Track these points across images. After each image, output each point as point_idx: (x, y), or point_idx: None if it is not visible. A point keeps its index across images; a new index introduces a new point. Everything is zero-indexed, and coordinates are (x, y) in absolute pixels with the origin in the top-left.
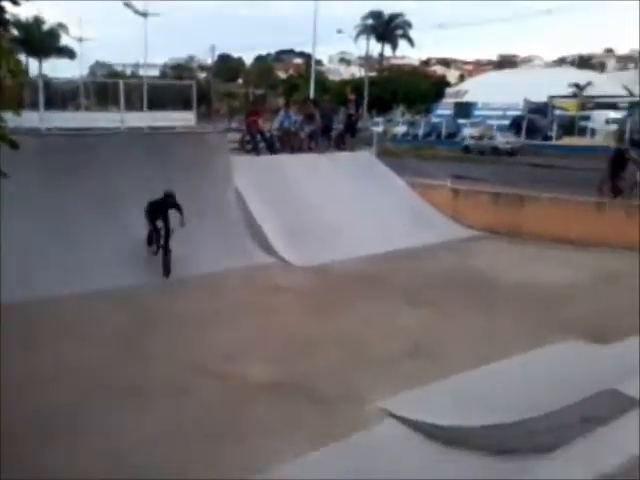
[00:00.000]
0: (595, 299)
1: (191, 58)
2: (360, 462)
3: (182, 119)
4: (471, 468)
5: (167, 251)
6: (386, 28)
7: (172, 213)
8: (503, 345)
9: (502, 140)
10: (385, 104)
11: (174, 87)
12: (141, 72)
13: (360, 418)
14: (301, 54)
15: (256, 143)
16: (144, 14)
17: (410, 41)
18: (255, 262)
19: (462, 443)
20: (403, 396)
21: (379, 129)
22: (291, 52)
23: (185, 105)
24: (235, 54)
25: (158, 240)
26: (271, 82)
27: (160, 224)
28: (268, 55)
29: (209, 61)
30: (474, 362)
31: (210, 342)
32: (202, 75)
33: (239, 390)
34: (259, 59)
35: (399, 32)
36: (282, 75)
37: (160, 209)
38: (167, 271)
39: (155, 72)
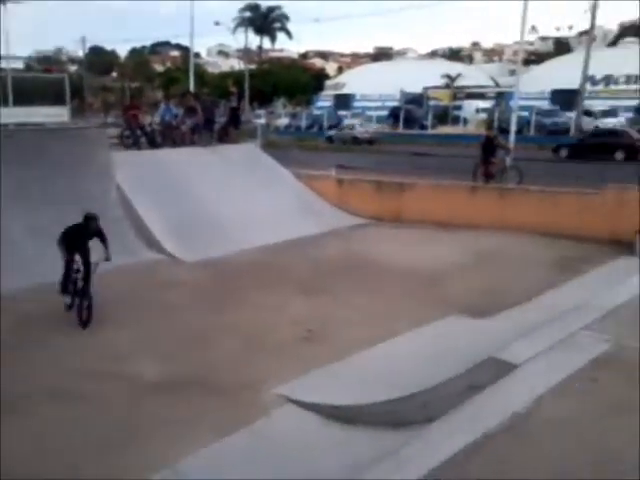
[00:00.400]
0: (473, 277)
1: (60, 50)
2: (262, 449)
3: (54, 114)
4: (369, 443)
5: (86, 297)
6: (264, 21)
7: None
8: (393, 325)
9: (361, 130)
10: (266, 96)
11: (43, 81)
12: (3, 64)
13: (260, 406)
14: (178, 46)
15: (137, 138)
16: (1, 0)
17: (288, 34)
18: (143, 260)
19: (360, 420)
20: (300, 381)
21: (262, 121)
22: (167, 44)
23: (56, 100)
24: (108, 46)
25: (75, 284)
26: (148, 75)
27: (78, 259)
28: (143, 48)
29: (80, 53)
30: (367, 343)
31: (102, 342)
32: (73, 68)
33: (136, 390)
34: (134, 52)
35: (277, 25)
36: (159, 68)
37: (79, 238)
38: (84, 322)
39: (19, 65)
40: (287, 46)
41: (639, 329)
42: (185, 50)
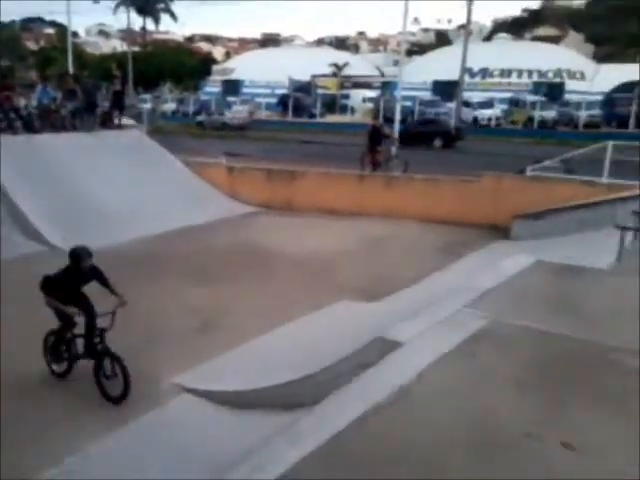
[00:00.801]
0: (364, 262)
1: None
2: (156, 439)
3: None
4: (263, 426)
5: (107, 357)
6: (147, 1)
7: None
8: (287, 311)
9: (230, 116)
10: (151, 80)
11: None
12: None
13: (156, 396)
14: (53, 24)
15: (11, 121)
16: None
17: (173, 16)
18: (22, 253)
19: (254, 405)
20: (197, 369)
21: (147, 106)
22: (40, 21)
23: None
24: None
25: (70, 344)
26: (20, 53)
27: (75, 313)
28: (12, 23)
29: None
30: (262, 330)
31: None
32: None
33: (25, 385)
34: (1, 27)
35: (161, 6)
36: (32, 46)
37: (69, 286)
38: (119, 396)
39: None
40: (172, 28)
41: (513, 306)
42: (61, 28)
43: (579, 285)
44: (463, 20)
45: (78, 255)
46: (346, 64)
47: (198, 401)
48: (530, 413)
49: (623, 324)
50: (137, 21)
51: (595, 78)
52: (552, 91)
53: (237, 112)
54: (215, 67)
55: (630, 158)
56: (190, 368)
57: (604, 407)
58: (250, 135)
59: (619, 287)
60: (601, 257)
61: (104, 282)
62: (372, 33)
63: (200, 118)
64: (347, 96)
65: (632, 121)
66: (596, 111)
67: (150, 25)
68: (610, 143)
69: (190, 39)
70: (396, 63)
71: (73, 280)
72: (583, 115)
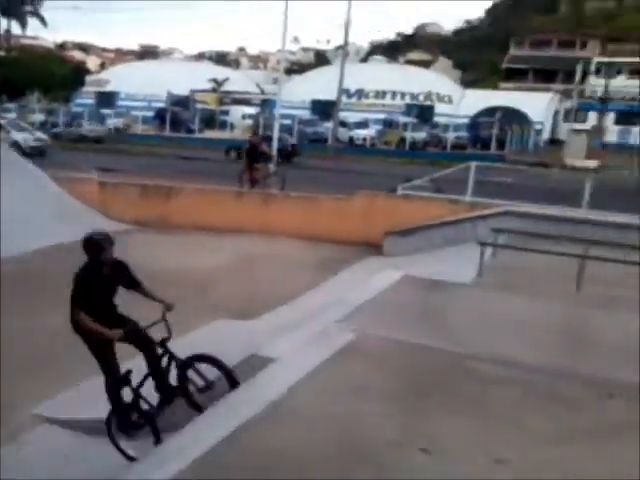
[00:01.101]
0: (240, 281)
1: None
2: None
3: None
4: (134, 451)
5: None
6: (11, 2)
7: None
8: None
9: (88, 128)
10: (16, 88)
11: None
12: None
13: (12, 429)
14: None
15: None
16: None
17: (43, 20)
18: None
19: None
20: (59, 398)
21: (12, 116)
22: None
23: None
24: None
25: (139, 405)
26: None
27: (120, 335)
28: None
29: None
30: (132, 352)
31: None
32: None
33: None
34: None
35: (28, 8)
36: None
37: (101, 297)
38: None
39: None
40: (41, 34)
41: (381, 319)
42: None
43: (443, 299)
44: (341, 41)
45: (96, 243)
46: (226, 79)
47: (60, 432)
48: (396, 423)
49: (482, 334)
50: (1, 24)
51: (461, 102)
52: (423, 113)
53: (94, 125)
54: (89, 78)
55: (490, 178)
56: (52, 397)
57: (461, 413)
58: (126, 149)
59: (479, 300)
60: (463, 272)
61: (134, 283)
62: (253, 50)
63: (56, 129)
64: (227, 112)
65: (493, 143)
66: (463, 133)
67: (16, 29)
68: (473, 164)
69: (62, 46)
70: (276, 81)
71: (99, 285)
72: (451, 137)
